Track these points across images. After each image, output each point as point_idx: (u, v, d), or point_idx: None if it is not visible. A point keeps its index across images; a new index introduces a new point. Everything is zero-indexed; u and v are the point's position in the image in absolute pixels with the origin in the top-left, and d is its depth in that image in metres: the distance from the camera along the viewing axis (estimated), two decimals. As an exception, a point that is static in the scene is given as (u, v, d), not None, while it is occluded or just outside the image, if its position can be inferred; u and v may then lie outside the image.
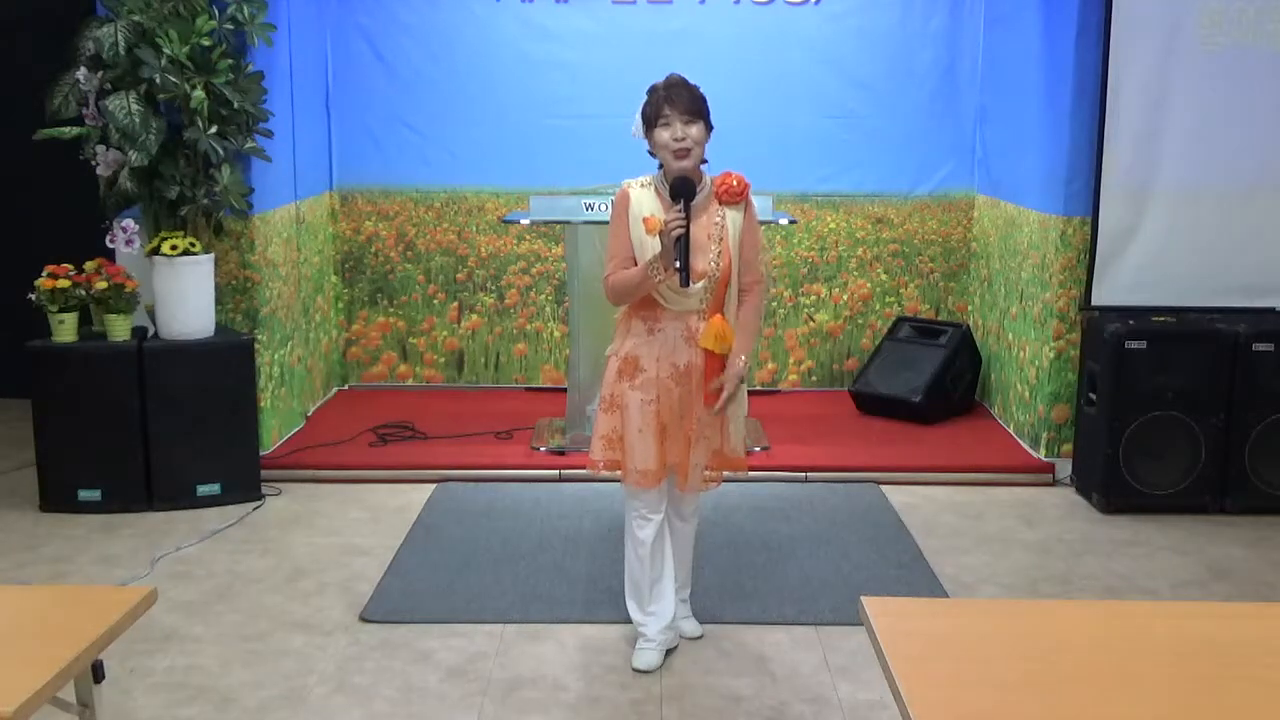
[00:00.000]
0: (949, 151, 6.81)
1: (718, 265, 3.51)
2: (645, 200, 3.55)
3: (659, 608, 3.76)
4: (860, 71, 6.65)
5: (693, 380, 3.57)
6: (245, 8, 5.17)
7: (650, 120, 3.51)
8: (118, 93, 4.91)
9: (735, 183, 3.56)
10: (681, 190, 3.46)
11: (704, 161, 3.56)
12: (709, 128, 3.51)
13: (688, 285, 3.44)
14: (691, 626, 3.93)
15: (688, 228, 3.41)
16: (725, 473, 3.78)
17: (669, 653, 3.80)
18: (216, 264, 5.29)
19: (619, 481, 3.72)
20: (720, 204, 3.55)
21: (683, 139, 3.45)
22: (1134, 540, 4.91)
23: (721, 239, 3.53)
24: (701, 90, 3.53)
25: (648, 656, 3.73)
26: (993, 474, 5.59)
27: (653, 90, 3.53)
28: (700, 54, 6.42)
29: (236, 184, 5.16)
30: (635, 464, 3.61)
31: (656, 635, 3.75)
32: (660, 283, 3.48)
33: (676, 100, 3.46)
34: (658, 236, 3.44)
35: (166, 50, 4.92)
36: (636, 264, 3.52)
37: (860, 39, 6.63)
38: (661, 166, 3.58)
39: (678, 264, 3.40)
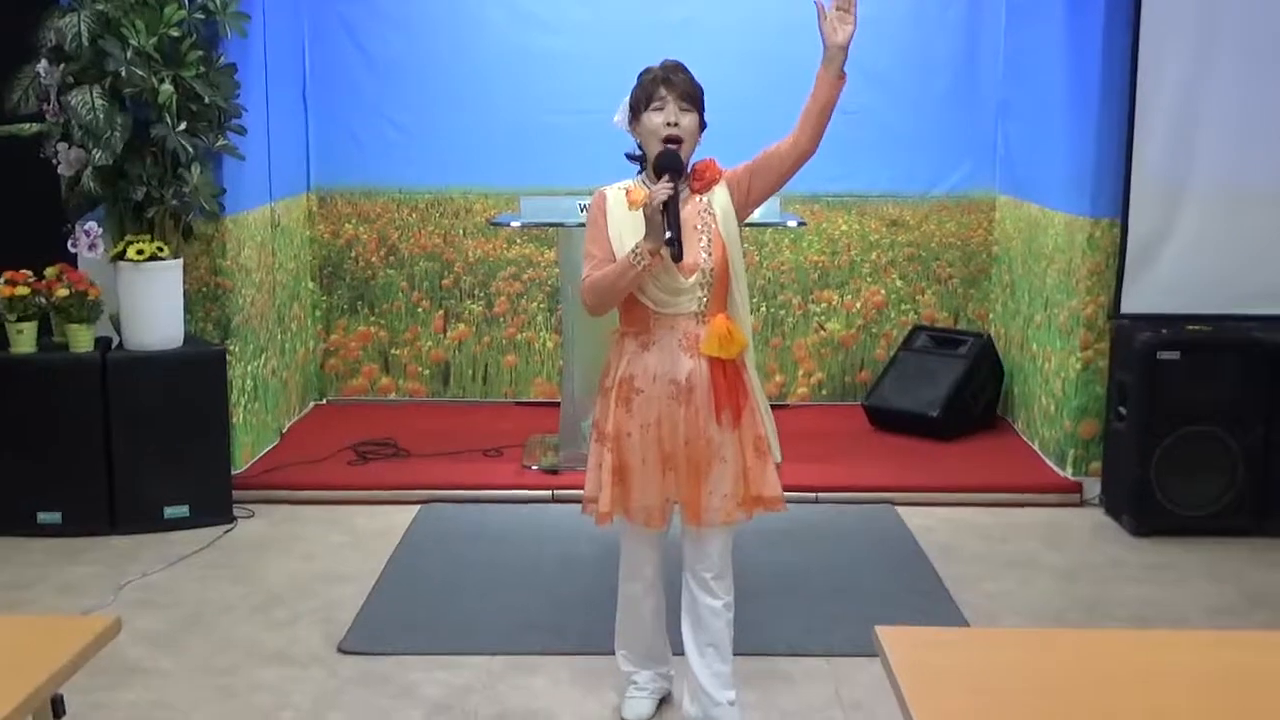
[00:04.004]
0: (968, 149, 6.82)
1: (710, 254, 3.34)
2: (622, 204, 3.39)
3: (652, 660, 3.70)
4: (874, 63, 6.64)
5: (697, 397, 3.35)
6: (217, -4, 5.19)
7: (640, 104, 3.36)
8: (81, 87, 4.91)
9: (702, 167, 3.42)
10: (668, 163, 3.30)
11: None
12: (702, 124, 3.39)
13: (681, 259, 3.26)
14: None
15: (676, 194, 3.27)
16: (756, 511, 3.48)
17: (662, 701, 3.74)
18: (185, 270, 5.30)
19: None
20: (694, 192, 3.40)
21: (675, 124, 3.32)
22: (1167, 565, 4.91)
23: (710, 226, 3.36)
24: (698, 81, 3.40)
25: (638, 706, 3.66)
26: (1016, 494, 5.59)
27: (647, 71, 3.40)
28: (705, 44, 6.42)
29: (207, 184, 5.16)
30: (640, 500, 3.42)
31: (648, 683, 3.69)
32: (646, 269, 3.26)
33: (674, 83, 3.34)
34: (642, 214, 3.28)
35: (133, 41, 4.92)
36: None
37: (874, 28, 6.54)
38: (641, 170, 3.45)
39: (668, 235, 3.22)
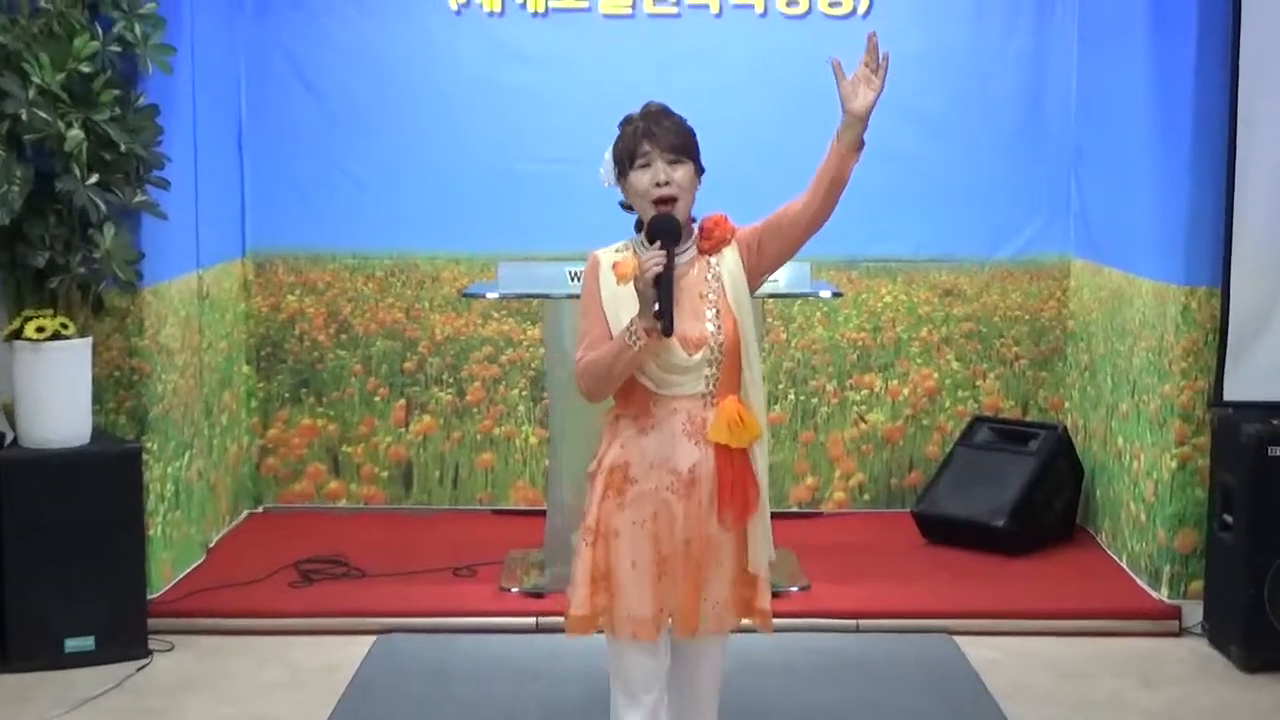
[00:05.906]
0: (1037, 204, 6.88)
1: (718, 328, 3.40)
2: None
3: None
4: (924, 104, 6.72)
5: (700, 491, 3.40)
6: (136, 25, 5.24)
7: (625, 162, 3.44)
8: (-28, 133, 4.97)
9: (711, 224, 3.48)
10: (662, 229, 3.36)
11: (692, 221, 3.49)
12: (699, 170, 3.46)
13: (670, 333, 3.30)
14: None
15: (669, 266, 3.30)
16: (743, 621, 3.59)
17: None
18: (95, 351, 5.32)
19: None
20: (701, 253, 3.46)
21: (666, 183, 3.38)
22: (1286, 707, 4.88)
23: (719, 294, 3.43)
24: (689, 123, 3.46)
25: None
26: (1101, 620, 5.57)
27: (627, 123, 3.48)
28: (716, 80, 6.51)
29: (122, 248, 5.19)
30: (627, 609, 3.46)
31: None
32: (642, 349, 3.32)
33: (658, 134, 3.40)
34: (633, 288, 3.32)
35: (35, 79, 4.97)
36: None
37: (922, 63, 6.69)
38: (640, 229, 3.50)
39: (656, 308, 3.27)
